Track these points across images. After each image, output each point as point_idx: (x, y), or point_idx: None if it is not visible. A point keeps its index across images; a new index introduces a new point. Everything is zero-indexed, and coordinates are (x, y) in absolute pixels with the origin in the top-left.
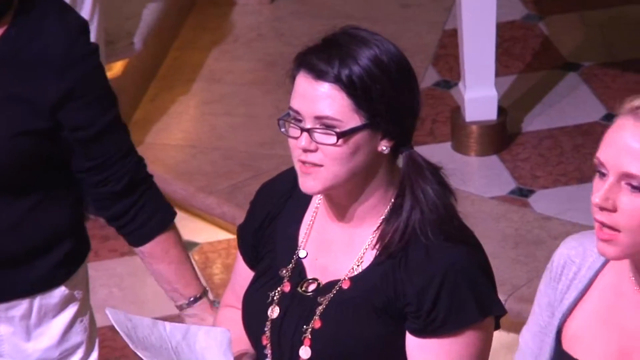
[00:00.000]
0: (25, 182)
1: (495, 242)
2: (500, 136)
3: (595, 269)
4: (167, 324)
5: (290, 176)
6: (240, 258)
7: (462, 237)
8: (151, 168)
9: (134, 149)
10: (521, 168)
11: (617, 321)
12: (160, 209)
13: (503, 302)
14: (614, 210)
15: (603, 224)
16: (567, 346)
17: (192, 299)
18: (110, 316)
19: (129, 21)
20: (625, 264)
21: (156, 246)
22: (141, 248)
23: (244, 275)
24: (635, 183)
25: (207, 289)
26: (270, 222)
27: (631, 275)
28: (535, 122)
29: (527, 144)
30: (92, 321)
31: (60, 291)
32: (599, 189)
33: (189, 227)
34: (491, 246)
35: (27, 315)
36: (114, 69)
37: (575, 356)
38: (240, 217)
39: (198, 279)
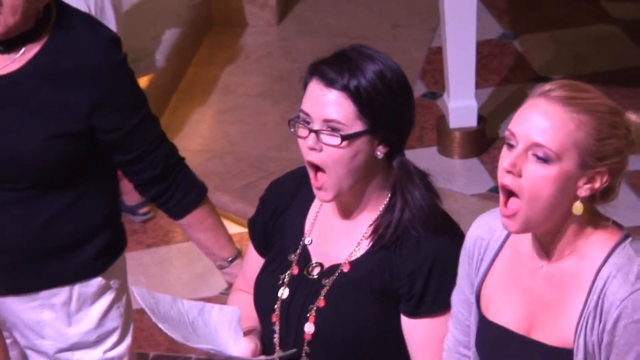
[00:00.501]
0: (64, 179)
1: None
2: (480, 141)
3: (500, 241)
4: (185, 301)
5: (297, 175)
6: (251, 248)
7: (449, 229)
8: None
9: (165, 138)
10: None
11: (520, 285)
12: (193, 186)
13: None
14: (519, 175)
15: (506, 188)
16: (484, 310)
17: (229, 259)
18: (135, 292)
19: (153, 41)
20: (525, 234)
21: (193, 218)
22: (181, 221)
23: (254, 263)
24: (540, 154)
25: (240, 250)
26: (279, 215)
27: (530, 244)
28: None
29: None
30: (128, 308)
31: (97, 281)
32: (507, 157)
33: None
34: None
35: (68, 302)
36: (140, 84)
37: (490, 318)
38: (251, 212)
39: (232, 242)
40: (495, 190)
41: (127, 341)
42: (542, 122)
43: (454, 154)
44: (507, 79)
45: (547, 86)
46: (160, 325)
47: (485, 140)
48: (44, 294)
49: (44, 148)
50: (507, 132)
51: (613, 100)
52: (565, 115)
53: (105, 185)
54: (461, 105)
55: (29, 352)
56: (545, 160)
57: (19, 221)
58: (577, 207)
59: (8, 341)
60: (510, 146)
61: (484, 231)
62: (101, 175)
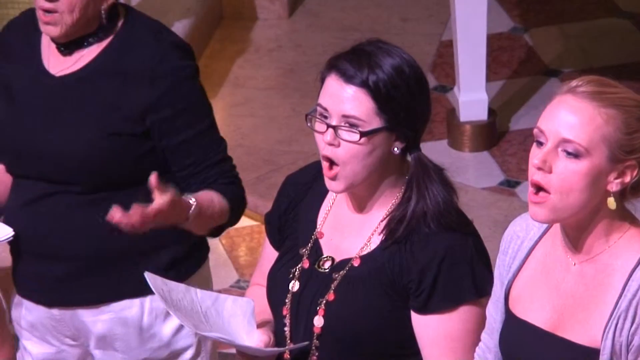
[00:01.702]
0: (127, 182)
1: (486, 227)
2: (491, 134)
3: (534, 239)
4: (199, 291)
5: (312, 169)
6: (267, 242)
7: (461, 225)
8: None
9: (225, 160)
10: (509, 162)
11: (551, 282)
12: (232, 199)
13: None
14: (549, 171)
15: (538, 185)
16: (512, 307)
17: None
18: (148, 279)
19: None
20: (559, 233)
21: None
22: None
23: (270, 257)
24: (570, 149)
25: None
26: (293, 208)
27: (563, 242)
28: (521, 121)
29: (514, 141)
30: None
31: None
32: (537, 154)
33: None
34: (483, 231)
35: (140, 316)
36: None
37: (517, 315)
38: (262, 205)
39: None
40: (505, 183)
41: (203, 358)
42: (570, 117)
43: (465, 147)
44: (518, 73)
45: (573, 82)
46: (172, 313)
47: (495, 134)
48: (114, 306)
49: (104, 147)
50: (535, 130)
51: None
52: (594, 110)
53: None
54: (472, 99)
55: None
56: (575, 155)
57: (82, 227)
58: (611, 202)
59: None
60: (540, 144)
61: (520, 229)
62: (170, 179)
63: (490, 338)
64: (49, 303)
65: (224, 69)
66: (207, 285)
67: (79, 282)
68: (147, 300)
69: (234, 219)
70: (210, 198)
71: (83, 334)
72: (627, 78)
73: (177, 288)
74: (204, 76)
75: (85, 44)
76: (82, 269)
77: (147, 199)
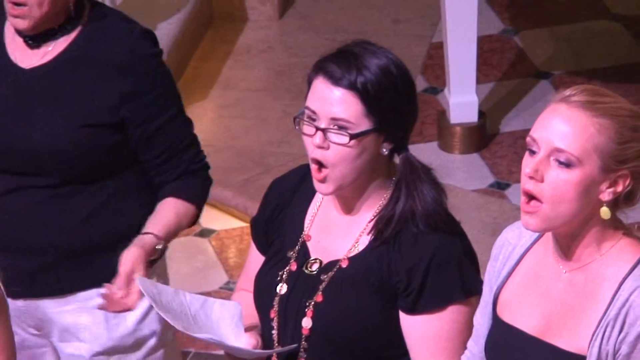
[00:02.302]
0: (101, 175)
1: (476, 229)
2: (481, 136)
3: (526, 246)
4: (187, 294)
5: (298, 173)
6: (253, 247)
7: (449, 226)
8: None
9: (195, 143)
10: (499, 164)
11: (541, 289)
12: (194, 195)
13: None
14: (541, 181)
15: (530, 194)
16: (500, 312)
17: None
18: (139, 282)
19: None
20: (551, 240)
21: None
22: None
23: (256, 261)
24: (562, 158)
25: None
26: (280, 212)
27: (554, 250)
28: (511, 124)
29: (504, 143)
30: None
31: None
32: (530, 163)
33: (207, 216)
34: (472, 233)
35: None
36: None
37: (505, 320)
38: (251, 207)
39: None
40: (495, 185)
41: (168, 345)
42: (562, 127)
43: (455, 149)
44: (508, 75)
45: (567, 91)
46: (162, 314)
47: (485, 136)
48: (81, 296)
49: (77, 138)
50: (528, 139)
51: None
52: (586, 119)
53: (143, 182)
54: (462, 101)
55: (64, 357)
56: (567, 165)
57: (55, 219)
58: (605, 212)
59: (44, 349)
60: (532, 152)
61: (512, 235)
62: (138, 171)
63: (475, 345)
64: (14, 295)
65: (214, 70)
66: (164, 268)
67: (48, 275)
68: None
69: (200, 210)
70: (175, 216)
71: (46, 324)
72: (617, 80)
73: (167, 290)
74: (194, 77)
75: (54, 36)
76: (52, 261)
77: (116, 192)
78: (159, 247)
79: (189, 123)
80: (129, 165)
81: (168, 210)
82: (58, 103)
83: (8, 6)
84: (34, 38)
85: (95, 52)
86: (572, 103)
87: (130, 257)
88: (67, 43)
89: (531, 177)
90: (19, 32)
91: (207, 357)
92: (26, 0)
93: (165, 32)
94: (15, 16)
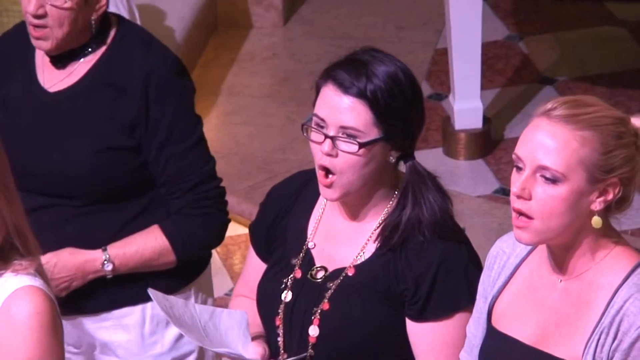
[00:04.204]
0: (126, 194)
1: (481, 235)
2: (486, 142)
3: (521, 257)
4: (197, 305)
5: (297, 179)
6: (252, 253)
7: (455, 234)
8: None
9: (205, 183)
10: (504, 170)
11: (536, 299)
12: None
13: None
14: (529, 198)
15: (520, 212)
16: (495, 322)
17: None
18: (152, 295)
19: None
20: (544, 250)
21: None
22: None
23: (256, 268)
24: (548, 175)
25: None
26: (281, 219)
27: (548, 260)
28: (515, 129)
29: (509, 149)
30: None
31: None
32: (517, 181)
33: None
34: (477, 239)
35: (141, 323)
36: None
37: (500, 330)
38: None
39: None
40: (500, 191)
41: None
42: (545, 143)
43: (459, 155)
44: (513, 81)
45: (548, 105)
46: (178, 328)
47: (490, 142)
48: (116, 314)
49: (99, 161)
50: (513, 155)
51: (618, 101)
52: (569, 133)
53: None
54: (466, 107)
55: None
56: (553, 181)
57: (83, 237)
58: (596, 221)
59: None
60: (519, 169)
61: (506, 245)
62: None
63: (469, 355)
64: None
65: (219, 77)
66: (208, 291)
67: (81, 292)
68: (148, 306)
69: (180, 257)
70: (141, 243)
71: (85, 341)
72: (622, 86)
73: (177, 303)
74: (199, 84)
75: (78, 57)
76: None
77: (143, 210)
78: (106, 267)
79: (204, 163)
80: (150, 187)
81: (141, 237)
82: (80, 126)
83: (29, 28)
84: (59, 58)
85: (115, 75)
86: (554, 118)
87: (64, 258)
88: (92, 64)
89: (519, 197)
90: (45, 52)
91: None
92: (46, 22)
93: (170, 39)
94: (37, 38)
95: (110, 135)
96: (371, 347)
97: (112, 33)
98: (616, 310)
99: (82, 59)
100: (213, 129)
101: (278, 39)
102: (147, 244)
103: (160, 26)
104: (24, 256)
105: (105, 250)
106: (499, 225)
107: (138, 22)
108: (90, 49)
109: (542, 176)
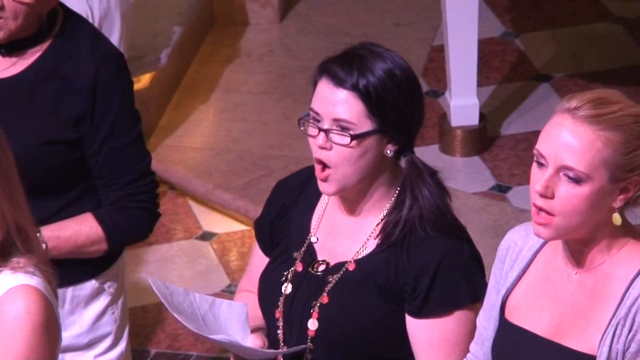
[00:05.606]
0: (55, 185)
1: (477, 232)
2: (482, 139)
3: (534, 249)
4: (197, 294)
5: (303, 174)
6: (257, 248)
7: (456, 231)
8: (174, 168)
9: (141, 179)
10: (500, 167)
11: (550, 291)
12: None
13: None
14: (552, 197)
15: (541, 209)
16: (508, 315)
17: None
18: (152, 284)
19: (156, 38)
20: (558, 242)
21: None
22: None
23: (260, 263)
24: (571, 175)
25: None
26: (285, 213)
27: (563, 252)
28: (512, 126)
29: (505, 146)
30: (124, 312)
31: (91, 284)
32: (539, 178)
33: (208, 220)
34: (473, 236)
35: (61, 304)
36: (143, 81)
37: (514, 322)
38: (253, 210)
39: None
40: (496, 188)
41: (121, 346)
42: (570, 143)
43: (456, 152)
44: (509, 77)
45: (573, 102)
46: (176, 316)
47: (486, 138)
48: None
49: (40, 154)
50: (535, 151)
51: None
52: (593, 134)
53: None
54: (463, 104)
55: None
56: (576, 180)
57: None
58: (617, 219)
59: None
60: (540, 164)
61: (518, 237)
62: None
63: (479, 348)
64: None
65: (215, 73)
66: (121, 270)
67: None
68: (70, 289)
69: (111, 245)
70: (71, 233)
71: None
72: (618, 83)
73: (177, 291)
74: (195, 81)
75: (25, 46)
76: None
77: (77, 198)
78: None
79: (141, 158)
80: (83, 180)
81: (75, 223)
82: (21, 117)
83: None
84: (7, 47)
85: (61, 68)
86: (578, 118)
87: None
88: (38, 54)
89: (542, 195)
90: None
91: (170, 356)
92: (2, 14)
93: (166, 35)
94: None
95: (53, 127)
96: (370, 342)
97: (60, 26)
98: (632, 302)
99: (29, 50)
100: (209, 125)
101: (274, 35)
102: (82, 230)
103: (156, 23)
104: (24, 254)
105: (39, 231)
106: (495, 222)
107: (118, 20)
108: (37, 40)
109: (566, 175)
